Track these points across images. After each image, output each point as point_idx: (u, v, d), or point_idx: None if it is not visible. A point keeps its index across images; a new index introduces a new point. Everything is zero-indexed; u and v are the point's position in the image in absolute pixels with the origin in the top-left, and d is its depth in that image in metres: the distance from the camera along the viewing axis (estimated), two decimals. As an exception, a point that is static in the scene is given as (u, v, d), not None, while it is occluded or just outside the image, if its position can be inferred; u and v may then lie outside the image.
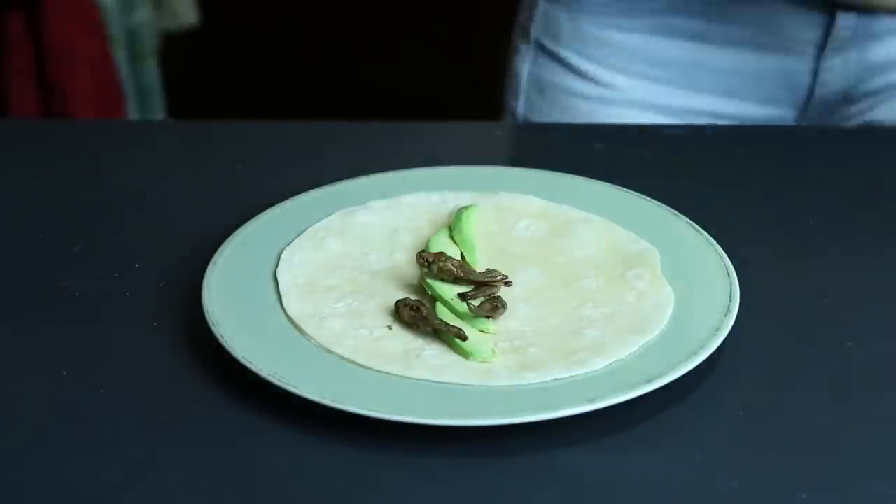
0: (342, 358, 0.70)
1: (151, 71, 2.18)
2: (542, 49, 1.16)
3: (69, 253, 0.84)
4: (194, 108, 2.55)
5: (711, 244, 0.79)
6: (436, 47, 2.78)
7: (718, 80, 1.11)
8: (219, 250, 0.79)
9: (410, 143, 1.02)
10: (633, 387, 0.66)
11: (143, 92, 2.18)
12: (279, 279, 0.77)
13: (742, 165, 0.98)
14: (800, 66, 1.09)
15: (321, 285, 0.77)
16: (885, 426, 0.67)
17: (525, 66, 1.17)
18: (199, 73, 2.74)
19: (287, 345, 0.71)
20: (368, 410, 0.65)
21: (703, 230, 0.81)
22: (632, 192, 0.86)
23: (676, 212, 0.83)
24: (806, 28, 1.07)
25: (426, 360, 0.70)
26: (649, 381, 0.67)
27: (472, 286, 0.75)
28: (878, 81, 1.11)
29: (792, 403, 0.69)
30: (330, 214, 0.84)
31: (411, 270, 0.78)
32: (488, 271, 0.76)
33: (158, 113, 2.21)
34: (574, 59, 1.13)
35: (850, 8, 1.05)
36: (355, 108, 2.69)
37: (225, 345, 0.70)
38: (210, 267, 0.77)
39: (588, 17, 1.12)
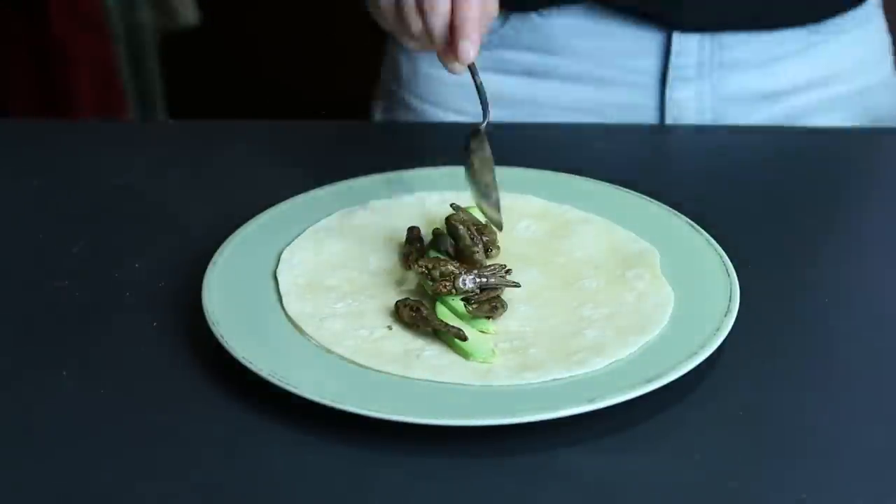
0: (342, 358, 0.70)
1: (151, 71, 2.18)
2: (390, 94, 1.14)
3: (69, 253, 0.84)
4: (194, 108, 2.55)
5: (711, 244, 0.79)
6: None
7: (560, 116, 1.06)
8: (219, 250, 0.79)
9: (410, 143, 1.02)
10: (633, 387, 0.66)
11: (143, 92, 2.18)
12: (279, 279, 0.77)
13: (742, 165, 0.98)
14: (643, 101, 1.05)
15: (321, 285, 0.77)
16: (885, 426, 0.67)
17: (378, 112, 1.16)
18: (199, 73, 2.73)
19: (287, 345, 0.71)
20: (368, 410, 0.65)
21: (703, 230, 0.81)
22: (632, 192, 0.86)
23: (676, 212, 0.83)
24: (643, 56, 1.03)
25: (426, 360, 0.70)
26: (649, 381, 0.67)
27: (482, 277, 0.74)
28: (743, 117, 1.06)
29: (792, 403, 0.69)
30: (330, 214, 0.84)
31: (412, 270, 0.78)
32: (489, 266, 0.76)
33: (158, 113, 2.21)
34: (413, 102, 1.10)
35: (684, 27, 1.01)
36: (355, 108, 2.69)
37: (225, 345, 0.70)
38: (210, 267, 0.77)
39: (423, 57, 1.08)
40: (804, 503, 0.62)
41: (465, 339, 0.70)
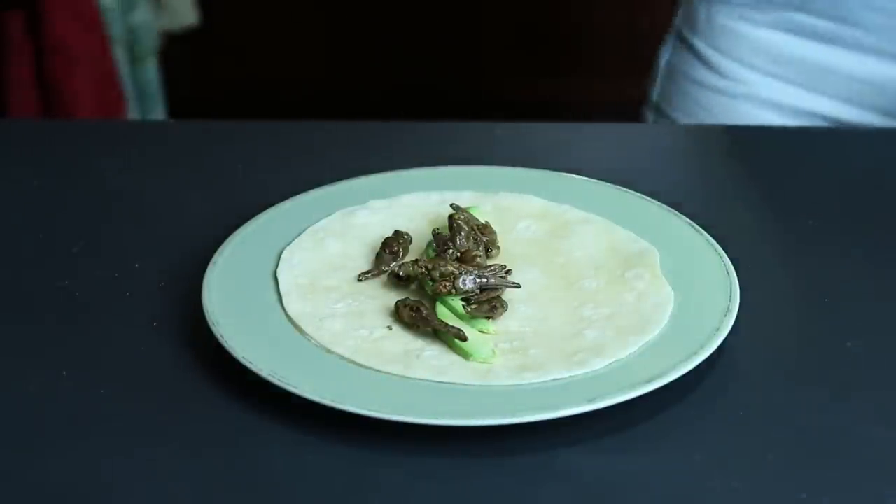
0: (342, 358, 0.70)
1: (151, 71, 2.18)
2: (680, 38, 1.19)
3: (69, 253, 0.84)
4: (194, 108, 2.55)
5: (711, 244, 0.79)
6: (436, 47, 2.78)
7: (841, 85, 1.11)
8: (219, 250, 0.79)
9: (410, 143, 1.02)
10: (633, 387, 0.66)
11: (143, 92, 2.18)
12: (279, 279, 0.77)
13: (742, 165, 0.98)
14: None
15: (321, 285, 0.77)
16: (885, 426, 0.67)
17: (665, 54, 1.21)
18: (199, 73, 2.74)
19: (287, 345, 0.71)
20: (368, 410, 0.65)
21: (703, 230, 0.81)
22: (632, 192, 0.86)
23: (676, 212, 0.83)
24: None
25: (426, 360, 0.70)
26: (649, 381, 0.67)
27: (482, 277, 0.74)
28: None
29: (792, 403, 0.69)
30: (330, 214, 0.84)
31: (411, 270, 0.78)
32: (489, 267, 0.76)
33: (158, 113, 2.21)
34: (705, 50, 1.16)
35: None
36: (355, 108, 2.69)
37: (225, 345, 0.70)
38: (210, 267, 0.77)
39: (722, 7, 1.14)
40: (804, 503, 0.62)
41: (465, 339, 0.70)
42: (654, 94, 1.22)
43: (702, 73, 1.17)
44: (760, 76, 1.14)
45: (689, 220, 0.82)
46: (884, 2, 1.07)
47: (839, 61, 1.10)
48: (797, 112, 1.13)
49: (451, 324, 0.71)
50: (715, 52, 1.15)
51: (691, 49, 1.18)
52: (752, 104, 1.14)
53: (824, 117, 1.12)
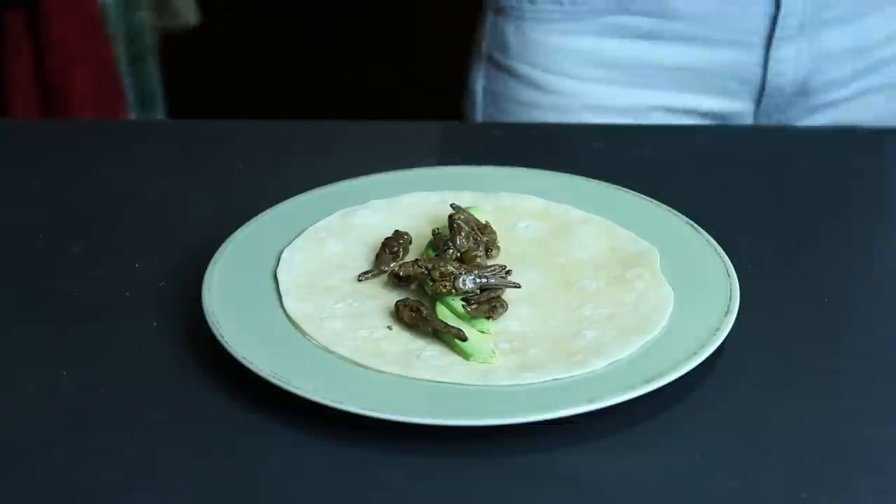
0: (342, 358, 0.70)
1: (151, 71, 2.18)
2: (493, 63, 1.16)
3: (69, 253, 0.84)
4: (194, 108, 2.54)
5: (711, 244, 0.79)
6: (437, 47, 2.78)
7: (671, 77, 1.11)
8: (219, 250, 0.79)
9: (410, 143, 1.02)
10: (633, 387, 0.66)
11: (143, 92, 2.17)
12: (279, 279, 0.77)
13: (742, 165, 0.98)
14: (750, 59, 1.09)
15: (321, 285, 0.77)
16: (885, 426, 0.67)
17: (479, 81, 1.17)
18: (199, 73, 2.73)
19: (287, 345, 0.71)
20: (368, 410, 0.65)
21: (703, 230, 0.81)
22: (632, 192, 0.86)
23: (676, 212, 0.83)
24: (752, 19, 1.07)
25: (426, 360, 0.70)
26: (649, 381, 0.67)
27: (482, 277, 0.74)
28: (834, 72, 1.10)
29: (792, 403, 0.69)
30: (330, 214, 0.84)
31: (411, 270, 0.78)
32: (489, 267, 0.76)
33: (158, 113, 2.20)
34: (525, 70, 1.13)
35: None
36: (355, 108, 2.69)
37: (225, 345, 0.70)
38: (210, 267, 0.77)
39: (533, 25, 1.11)
40: (804, 503, 0.62)
41: (465, 339, 0.70)
42: (478, 120, 1.18)
43: (527, 94, 1.14)
44: (591, 84, 1.12)
45: (689, 220, 0.82)
46: None
47: (664, 54, 1.10)
48: (626, 110, 1.12)
49: (451, 324, 0.71)
50: (535, 69, 1.12)
51: (509, 71, 1.14)
52: (579, 113, 1.12)
53: (655, 108, 1.12)
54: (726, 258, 0.77)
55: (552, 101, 1.13)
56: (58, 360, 0.73)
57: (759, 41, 1.09)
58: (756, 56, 1.09)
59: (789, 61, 1.09)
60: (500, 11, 1.14)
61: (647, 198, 0.85)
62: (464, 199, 0.84)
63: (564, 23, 1.10)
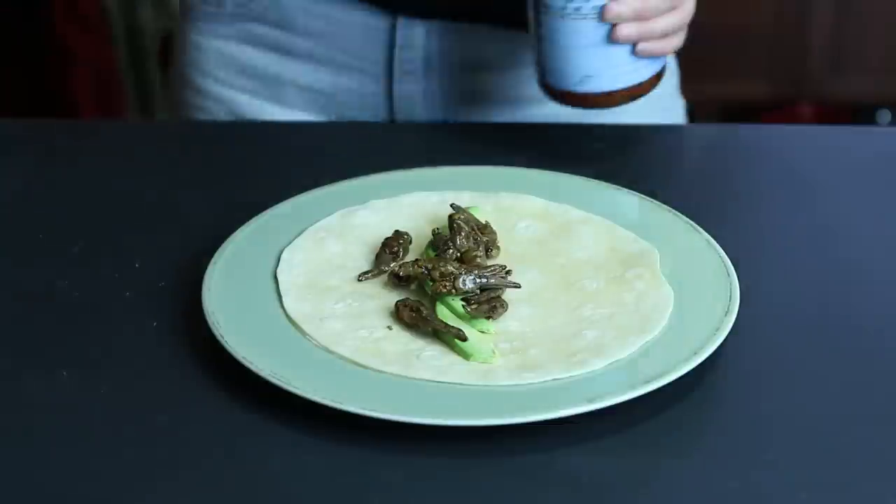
0: (342, 358, 0.70)
1: (151, 71, 2.18)
2: (177, 73, 1.14)
3: (69, 253, 0.84)
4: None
5: (711, 244, 0.79)
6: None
7: (301, 96, 1.07)
8: (219, 250, 0.79)
9: (410, 143, 1.02)
10: (633, 387, 0.66)
11: (143, 92, 2.18)
12: (279, 279, 0.77)
13: (742, 165, 0.98)
14: (374, 89, 1.06)
15: (321, 285, 0.77)
16: (885, 426, 0.67)
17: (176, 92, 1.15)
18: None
19: (287, 345, 0.71)
20: (368, 410, 0.65)
21: (703, 230, 0.81)
22: (632, 192, 0.86)
23: (676, 212, 0.83)
24: (371, 45, 1.04)
25: (426, 360, 0.70)
26: (649, 381, 0.67)
27: (482, 277, 0.74)
28: (476, 118, 1.06)
29: (792, 403, 0.69)
30: (330, 214, 0.84)
31: (411, 270, 0.78)
32: (489, 267, 0.76)
33: (158, 113, 2.21)
34: (190, 73, 1.11)
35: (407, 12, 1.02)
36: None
37: (225, 345, 0.70)
38: (210, 267, 0.77)
39: (194, 24, 1.10)
40: (804, 503, 0.62)
41: (465, 339, 0.70)
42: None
43: (191, 97, 1.11)
44: (235, 92, 1.09)
45: (689, 220, 0.82)
46: (322, 8, 1.04)
47: (296, 72, 1.07)
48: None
49: (450, 324, 0.71)
50: (197, 72, 1.10)
51: (182, 77, 1.12)
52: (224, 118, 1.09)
53: None
54: (726, 258, 0.77)
55: (208, 105, 1.10)
56: (58, 360, 0.73)
57: (380, 72, 1.05)
58: (380, 87, 1.05)
59: (415, 100, 1.05)
60: (185, 17, 1.12)
61: (647, 198, 0.85)
62: (464, 199, 0.84)
63: (211, 23, 1.08)
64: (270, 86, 1.08)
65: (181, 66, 1.12)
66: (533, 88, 0.96)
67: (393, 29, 1.03)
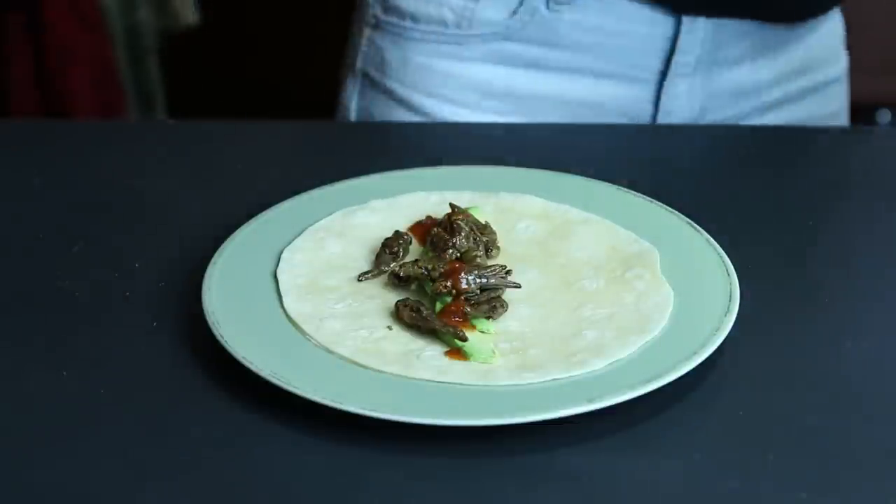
0: (342, 358, 0.70)
1: (151, 71, 2.18)
2: (369, 80, 1.11)
3: (69, 253, 0.84)
4: (194, 108, 2.55)
5: (711, 244, 0.79)
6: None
7: (556, 109, 1.06)
8: (219, 250, 0.79)
9: (410, 143, 1.02)
10: (633, 387, 0.66)
11: (143, 92, 2.18)
12: (279, 279, 0.77)
13: (742, 165, 0.98)
14: (641, 94, 1.06)
15: (321, 285, 0.77)
16: (885, 426, 0.67)
17: (353, 98, 1.12)
18: (199, 73, 2.73)
19: (287, 345, 0.71)
20: (368, 410, 0.65)
21: (703, 230, 0.81)
22: (632, 192, 0.86)
23: (676, 212, 0.83)
24: (648, 54, 1.04)
25: (426, 360, 0.70)
26: (649, 381, 0.67)
27: (482, 277, 0.74)
28: (721, 112, 1.08)
29: (792, 403, 0.69)
30: (330, 214, 0.84)
31: (411, 270, 0.78)
32: (489, 267, 0.76)
33: (158, 113, 2.21)
34: (404, 92, 1.07)
35: (697, 10, 1.02)
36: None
37: (225, 345, 0.70)
38: (210, 267, 0.77)
39: (415, 45, 1.06)
40: (804, 503, 0.62)
41: (464, 339, 0.70)
42: None
43: (401, 115, 1.08)
44: (470, 112, 1.06)
45: (689, 220, 0.82)
46: (595, 20, 1.03)
47: (551, 86, 1.05)
48: None
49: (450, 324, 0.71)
50: (415, 92, 1.07)
51: (386, 92, 1.09)
52: None
53: None
54: (726, 258, 0.77)
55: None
56: (58, 360, 0.73)
57: (651, 77, 1.05)
58: (647, 92, 1.06)
59: (681, 99, 1.06)
60: (378, 27, 1.09)
61: (647, 198, 0.85)
62: (464, 199, 0.84)
63: (448, 45, 1.05)
64: (525, 103, 1.06)
65: (384, 79, 1.08)
66: (765, 73, 1.05)
67: (676, 33, 1.03)
